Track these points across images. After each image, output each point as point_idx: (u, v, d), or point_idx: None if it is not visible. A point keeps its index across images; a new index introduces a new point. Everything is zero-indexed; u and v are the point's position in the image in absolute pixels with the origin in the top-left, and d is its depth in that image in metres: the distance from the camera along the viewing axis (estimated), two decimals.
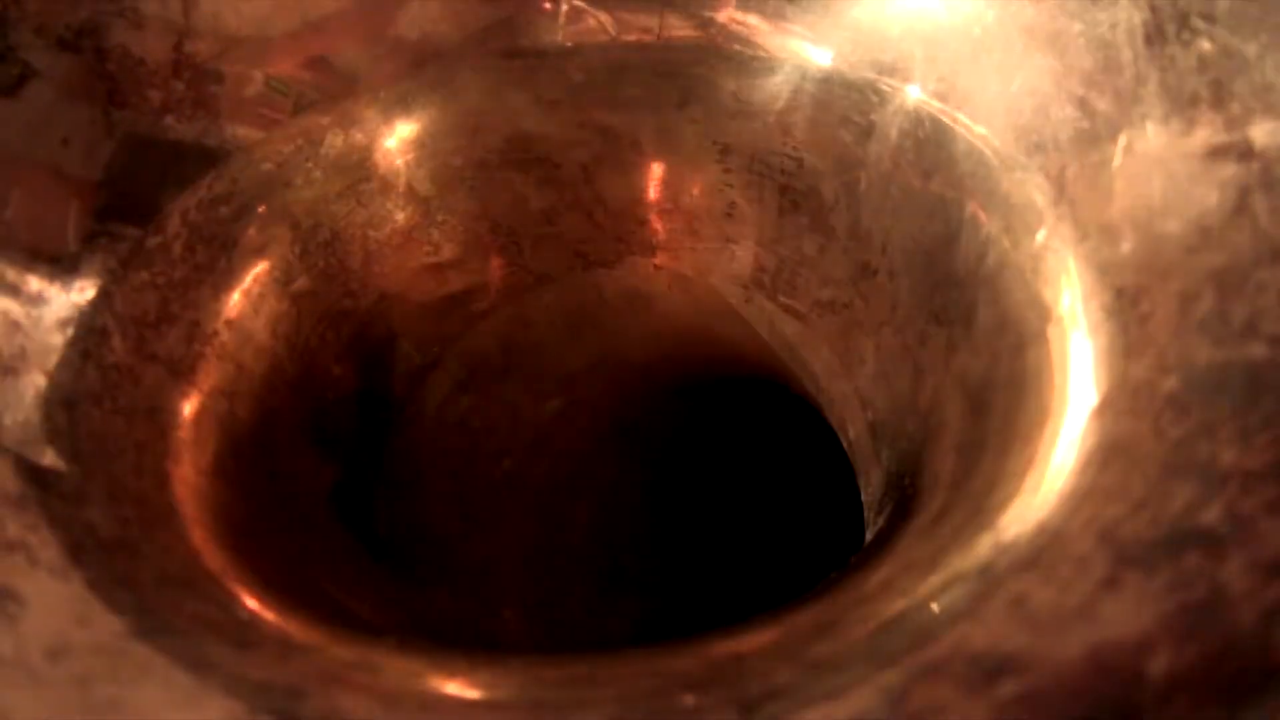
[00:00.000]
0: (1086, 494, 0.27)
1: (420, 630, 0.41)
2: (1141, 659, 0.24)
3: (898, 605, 0.28)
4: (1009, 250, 0.34)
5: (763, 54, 0.41)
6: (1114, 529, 0.26)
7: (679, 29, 0.42)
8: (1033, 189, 0.33)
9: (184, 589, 0.33)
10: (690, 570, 0.57)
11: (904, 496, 0.35)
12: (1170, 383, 0.28)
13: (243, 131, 0.42)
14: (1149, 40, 0.32)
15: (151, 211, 0.40)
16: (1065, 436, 0.29)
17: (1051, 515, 0.28)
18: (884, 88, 0.38)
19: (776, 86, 0.41)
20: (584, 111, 0.44)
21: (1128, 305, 0.30)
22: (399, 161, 0.44)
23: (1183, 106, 0.31)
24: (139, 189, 0.40)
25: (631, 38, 0.43)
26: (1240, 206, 0.29)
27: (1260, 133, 0.30)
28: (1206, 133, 0.30)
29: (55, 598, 0.31)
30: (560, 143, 0.44)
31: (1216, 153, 0.30)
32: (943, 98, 0.37)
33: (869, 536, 0.36)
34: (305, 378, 0.42)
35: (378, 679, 0.31)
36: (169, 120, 0.41)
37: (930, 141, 0.37)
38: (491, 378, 0.48)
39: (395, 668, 0.31)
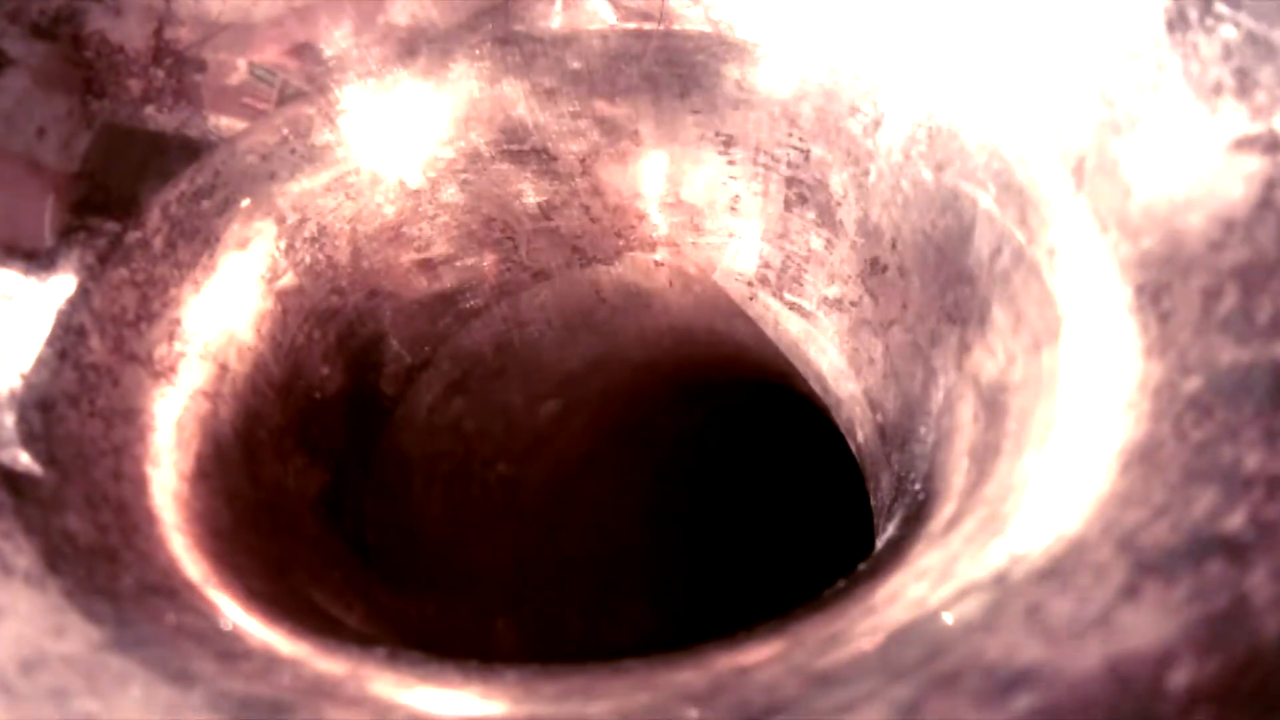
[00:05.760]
0: (1105, 500, 0.27)
1: (411, 641, 0.40)
2: (1162, 671, 0.24)
3: (909, 615, 0.28)
4: (1025, 246, 0.33)
5: (768, 41, 0.41)
6: (1133, 536, 0.26)
7: (681, 15, 0.42)
8: (1049, 181, 0.33)
9: (165, 598, 0.33)
10: (692, 578, 0.57)
11: (915, 502, 0.34)
12: (1192, 383, 0.28)
13: (226, 122, 0.41)
14: (1170, 26, 0.32)
15: (131, 205, 0.39)
16: (1083, 440, 0.29)
17: (1068, 522, 0.27)
18: (895, 76, 0.38)
19: (782, 75, 0.41)
20: (582, 101, 0.43)
21: (1148, 303, 0.29)
22: (389, 153, 0.43)
23: (1206, 95, 0.30)
24: (118, 182, 0.39)
25: (631, 24, 0.42)
26: (1265, 200, 0.29)
27: None
28: (1230, 123, 0.30)
29: (30, 607, 0.31)
30: (557, 133, 0.44)
31: (1241, 144, 0.30)
32: (956, 87, 0.37)
33: (879, 543, 0.36)
34: (291, 378, 0.42)
35: (367, 692, 0.30)
36: (149, 110, 0.40)
37: (943, 132, 0.37)
38: (485, 379, 0.48)
39: (385, 680, 0.31)
